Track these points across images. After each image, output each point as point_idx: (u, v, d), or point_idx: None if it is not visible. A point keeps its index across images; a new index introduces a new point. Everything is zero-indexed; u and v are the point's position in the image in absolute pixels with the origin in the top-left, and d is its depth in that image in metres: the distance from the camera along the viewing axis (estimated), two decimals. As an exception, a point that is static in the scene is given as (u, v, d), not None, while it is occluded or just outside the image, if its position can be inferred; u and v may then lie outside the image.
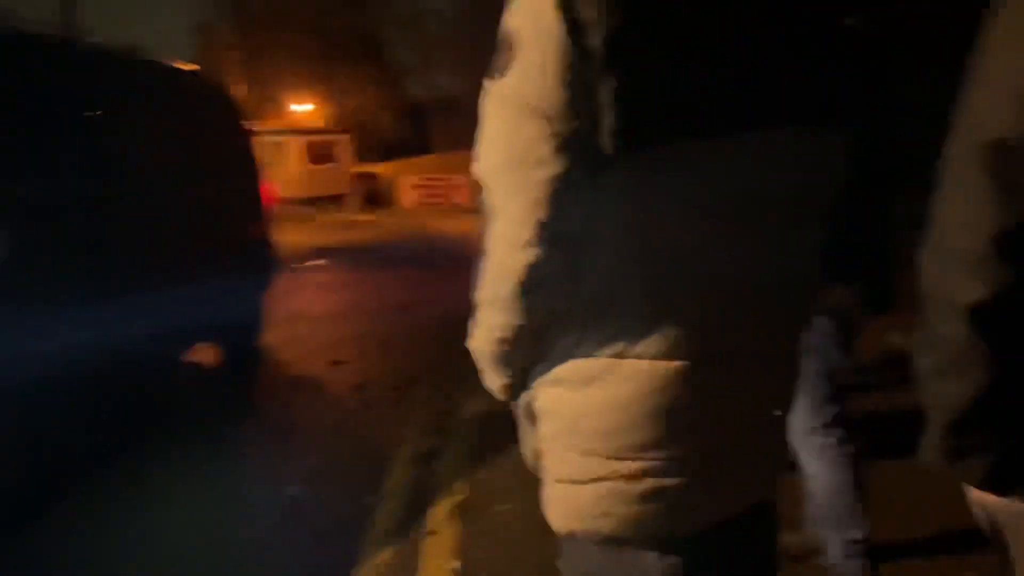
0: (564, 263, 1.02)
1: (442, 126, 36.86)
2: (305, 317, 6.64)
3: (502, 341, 1.13)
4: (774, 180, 1.04)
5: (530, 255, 1.00)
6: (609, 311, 1.04)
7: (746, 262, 1.05)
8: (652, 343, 1.03)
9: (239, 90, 26.58)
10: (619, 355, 1.04)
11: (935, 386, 0.90)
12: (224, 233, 5.17)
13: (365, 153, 37.01)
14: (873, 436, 2.55)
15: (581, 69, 0.91)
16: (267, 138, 23.87)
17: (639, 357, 1.03)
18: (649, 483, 1.09)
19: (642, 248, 1.01)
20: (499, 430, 3.90)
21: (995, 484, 0.89)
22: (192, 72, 5.37)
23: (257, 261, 5.66)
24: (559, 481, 1.17)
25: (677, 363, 1.03)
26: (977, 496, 1.03)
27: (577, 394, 1.10)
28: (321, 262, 10.17)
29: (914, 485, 3.00)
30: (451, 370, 4.94)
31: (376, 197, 20.27)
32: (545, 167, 0.96)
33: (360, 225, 16.05)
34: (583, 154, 0.95)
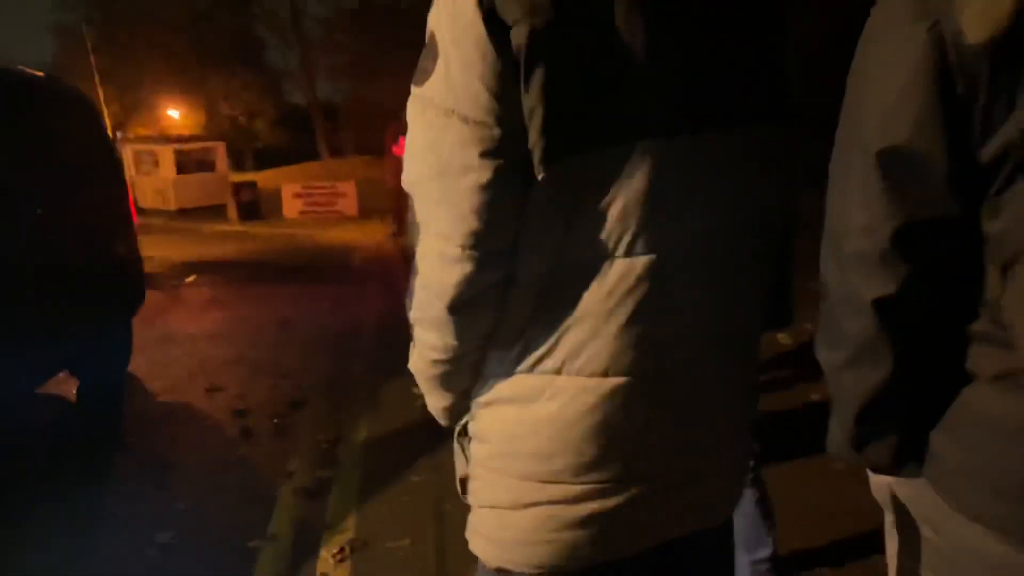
0: (496, 278, 0.96)
1: (324, 133, 36.10)
2: (178, 339, 6.20)
3: (439, 362, 1.07)
4: (717, 185, 0.98)
5: (460, 271, 0.94)
6: (547, 325, 0.98)
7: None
8: (592, 358, 0.97)
9: (105, 95, 25.02)
10: (557, 371, 0.99)
11: (843, 378, 0.92)
12: (85, 251, 4.73)
13: (243, 161, 35.74)
14: (768, 439, 2.56)
15: (504, 70, 0.86)
16: (137, 146, 22.57)
17: (579, 373, 0.98)
18: (588, 507, 1.03)
19: (578, 260, 0.95)
20: (390, 456, 3.74)
21: (896, 466, 0.93)
22: (42, 77, 4.89)
23: (123, 280, 5.22)
24: (491, 507, 1.11)
25: (618, 379, 0.98)
26: (880, 481, 1.04)
27: (515, 413, 1.04)
28: (195, 278, 9.60)
29: (812, 486, 3.08)
30: (338, 393, 4.72)
31: (256, 207, 19.43)
32: (471, 174, 0.90)
33: (239, 237, 15.33)
34: (511, 161, 0.90)
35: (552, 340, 0.99)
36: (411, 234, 1.02)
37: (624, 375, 0.98)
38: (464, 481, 1.19)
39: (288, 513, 3.23)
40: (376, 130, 24.65)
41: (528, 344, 1.00)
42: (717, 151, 0.96)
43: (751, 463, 2.16)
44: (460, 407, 1.17)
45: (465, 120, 0.88)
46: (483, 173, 0.89)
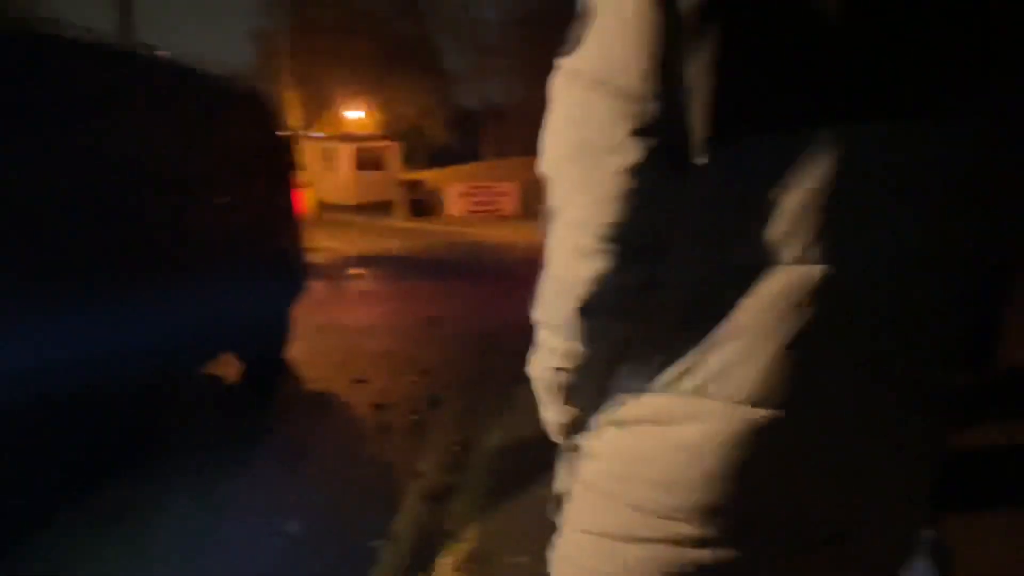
0: (637, 279, 0.83)
1: (491, 134, 36.92)
2: (334, 329, 6.44)
3: (563, 370, 0.95)
4: (923, 189, 0.77)
5: (595, 266, 0.82)
6: (693, 339, 0.83)
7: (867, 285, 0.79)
8: (742, 382, 0.81)
9: (294, 96, 26.90)
10: (699, 392, 0.84)
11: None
12: (254, 241, 5.00)
13: (414, 160, 37.28)
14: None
15: (668, 36, 0.74)
16: (318, 144, 24.11)
17: (725, 398, 0.83)
18: (703, 555, 0.88)
19: (738, 265, 0.80)
20: (521, 467, 3.63)
21: None
22: (226, 78, 5.22)
23: (286, 271, 5.48)
24: (592, 534, 0.97)
25: (770, 411, 0.81)
26: None
27: (642, 434, 0.90)
28: (359, 271, 10.01)
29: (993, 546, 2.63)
30: (476, 395, 4.67)
31: (423, 205, 20.17)
32: (618, 155, 0.78)
33: (404, 233, 15.94)
34: (665, 143, 0.76)
35: (697, 356, 0.84)
36: (543, 225, 0.90)
37: (777, 407, 0.82)
38: (560, 498, 1.08)
39: (412, 515, 3.19)
40: (539, 131, 24.86)
41: (669, 358, 0.86)
42: (926, 145, 0.76)
43: (922, 531, 1.83)
44: (578, 424, 1.04)
45: (617, 93, 0.76)
46: (632, 154, 0.77)
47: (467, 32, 36.91)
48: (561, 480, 1.08)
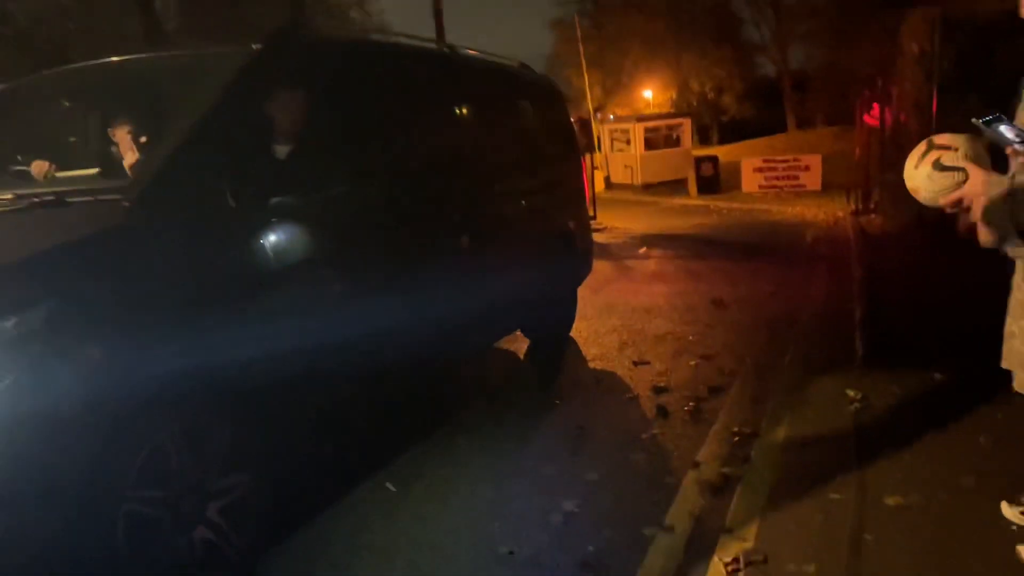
0: None
1: (792, 104, 34.58)
2: (618, 310, 6.46)
3: None
4: None
5: None
6: None
7: None
8: None
9: (590, 80, 27.51)
10: None
11: None
12: (544, 223, 5.18)
13: (709, 136, 36.20)
14: None
15: None
16: (612, 126, 24.41)
17: None
18: None
19: None
20: (808, 466, 3.33)
21: None
22: (517, 66, 5.44)
23: (574, 252, 5.61)
24: None
25: None
26: None
27: None
28: (645, 251, 9.97)
29: None
30: (762, 384, 4.39)
31: (715, 181, 19.51)
32: None
33: (694, 211, 15.57)
34: None
35: None
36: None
37: None
38: None
39: (688, 505, 3.08)
40: (847, 100, 22.69)
41: None
42: None
43: None
44: None
45: None
46: None
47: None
48: None
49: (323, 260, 3.25)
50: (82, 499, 2.27)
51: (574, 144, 5.87)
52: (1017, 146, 2.00)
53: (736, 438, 3.66)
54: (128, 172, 3.36)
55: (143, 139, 3.49)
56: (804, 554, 2.62)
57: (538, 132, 5.26)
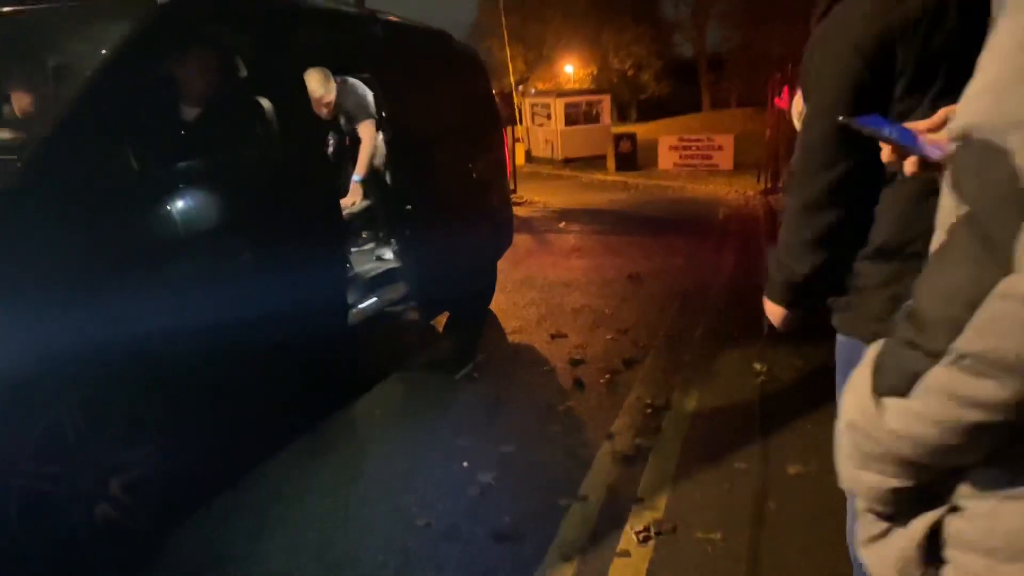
0: None
1: (708, 85, 35.32)
2: (536, 283, 6.50)
3: (981, 428, 0.68)
4: None
5: None
6: None
7: None
8: None
9: (512, 53, 27.32)
10: None
11: None
12: (469, 194, 5.13)
13: (627, 113, 36.65)
14: None
15: None
16: (533, 99, 24.37)
17: None
18: None
19: None
20: (716, 437, 3.45)
21: None
22: (441, 33, 5.34)
23: (496, 225, 5.59)
24: None
25: None
26: None
27: None
28: (564, 225, 10.05)
29: None
30: (674, 356, 4.51)
31: (632, 158, 19.78)
32: None
33: (613, 186, 15.76)
34: None
35: None
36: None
37: None
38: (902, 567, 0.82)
39: (602, 476, 3.15)
40: (760, 82, 23.33)
41: None
42: None
43: None
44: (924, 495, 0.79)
45: None
46: None
47: (687, -23, 35.41)
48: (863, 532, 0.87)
49: (231, 228, 3.14)
50: (-32, 475, 2.15)
51: (496, 116, 5.82)
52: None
53: (649, 410, 3.76)
54: (23, 130, 3.14)
55: (38, 94, 3.26)
56: (711, 522, 2.73)
57: (461, 102, 5.19)
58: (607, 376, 4.23)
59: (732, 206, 11.77)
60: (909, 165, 0.98)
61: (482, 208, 5.32)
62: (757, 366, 4.15)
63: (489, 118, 5.62)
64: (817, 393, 3.73)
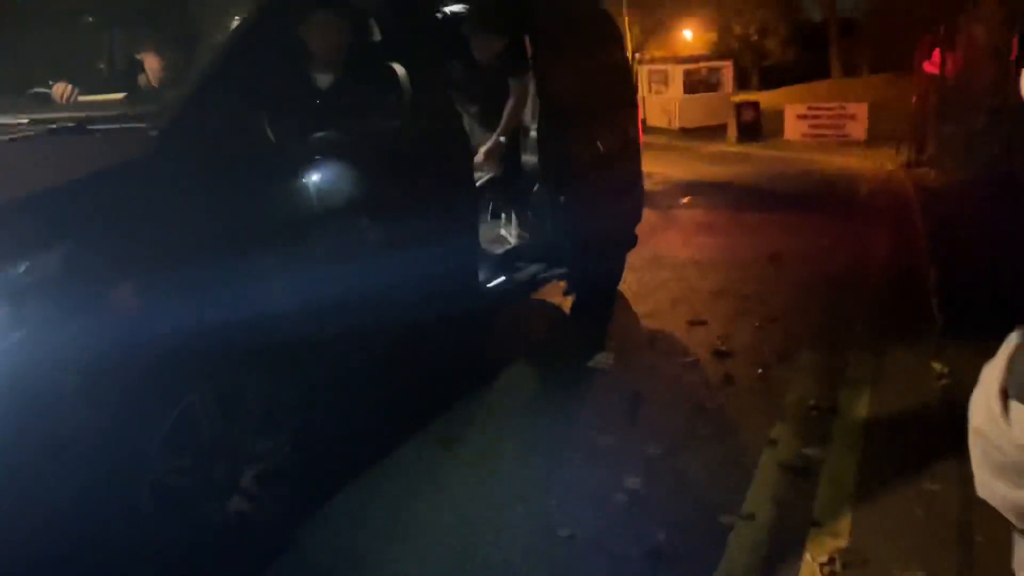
0: None
1: (838, 50, 33.23)
2: (666, 263, 6.10)
3: None
4: None
5: None
6: None
7: None
8: None
9: (629, 19, 26.54)
10: None
11: None
12: (610, 166, 4.79)
13: (749, 81, 35.03)
14: None
15: None
16: (650, 67, 23.57)
17: None
18: None
19: None
20: (898, 450, 3.01)
21: None
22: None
23: (626, 198, 5.24)
24: None
25: None
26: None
27: None
28: (689, 199, 9.52)
29: None
30: (835, 351, 4.05)
31: (756, 128, 18.77)
32: None
33: (735, 158, 14.97)
34: None
35: None
36: None
37: None
38: None
39: (768, 491, 2.78)
40: (898, 46, 21.65)
41: None
42: None
43: None
44: None
45: None
46: None
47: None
48: None
49: (368, 204, 2.93)
50: (101, 467, 2.02)
51: (632, 86, 5.43)
52: None
53: (814, 413, 3.35)
54: (157, 98, 3.03)
55: (174, 62, 3.14)
56: (907, 556, 2.33)
57: (605, 70, 4.86)
58: (760, 371, 3.83)
59: (873, 181, 10.88)
60: None
61: (620, 180, 4.98)
62: (937, 366, 3.63)
63: (627, 88, 5.26)
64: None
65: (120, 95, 2.87)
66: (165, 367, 2.14)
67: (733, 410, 3.46)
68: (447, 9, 4.34)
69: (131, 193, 2.17)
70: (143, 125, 2.33)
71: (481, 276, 3.87)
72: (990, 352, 3.08)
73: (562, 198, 4.07)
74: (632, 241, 5.25)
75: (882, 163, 13.01)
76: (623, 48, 5.38)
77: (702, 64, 23.37)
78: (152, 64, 3.16)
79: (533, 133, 4.27)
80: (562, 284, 4.52)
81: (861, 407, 3.37)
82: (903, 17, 24.07)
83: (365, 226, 2.97)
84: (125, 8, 3.56)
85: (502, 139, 4.17)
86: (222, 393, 2.36)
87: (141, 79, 3.25)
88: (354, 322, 2.80)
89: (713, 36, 33.89)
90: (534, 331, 4.69)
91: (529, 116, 4.34)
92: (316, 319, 2.61)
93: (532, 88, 4.19)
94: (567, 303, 5.05)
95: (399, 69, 3.06)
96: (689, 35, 33.57)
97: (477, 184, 4.16)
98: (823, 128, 17.78)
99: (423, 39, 3.45)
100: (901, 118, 14.39)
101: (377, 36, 3.51)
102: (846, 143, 16.59)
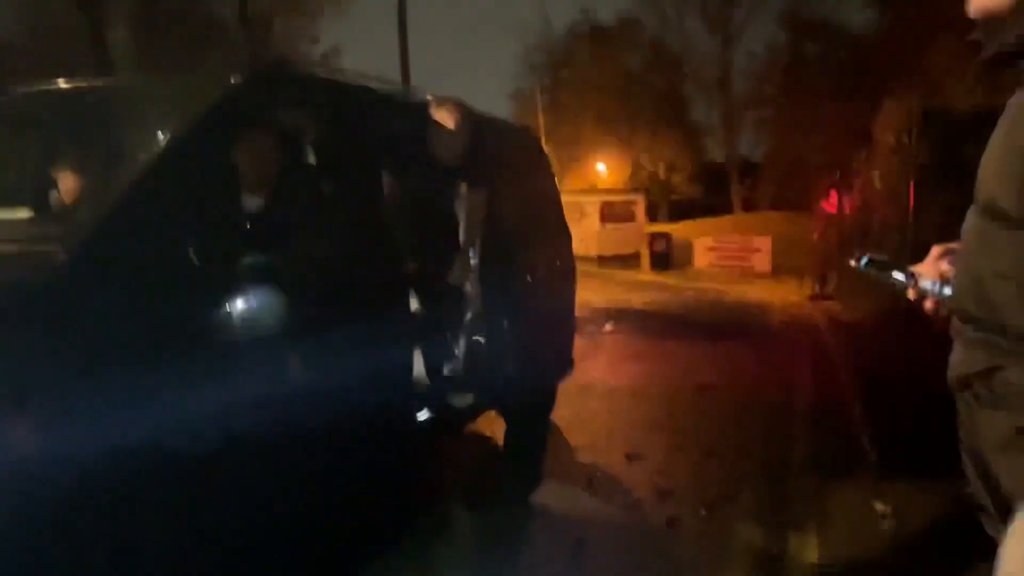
0: None
1: (739, 188, 35.52)
2: (597, 391, 5.99)
3: None
4: None
5: None
6: None
7: None
8: None
9: (548, 152, 27.73)
10: None
11: None
12: (542, 293, 4.71)
13: (658, 214, 36.82)
14: None
15: None
16: (568, 198, 24.48)
17: None
18: None
19: None
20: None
21: None
22: (524, 129, 5.10)
23: (563, 322, 5.16)
24: None
25: None
26: None
27: None
28: (612, 326, 9.59)
29: None
30: (776, 490, 3.94)
31: (667, 258, 19.52)
32: None
33: (650, 286, 15.38)
34: None
35: None
36: None
37: None
38: None
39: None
40: (794, 186, 23.30)
41: None
42: None
43: None
44: None
45: None
46: None
47: (717, 85, 36.20)
48: None
49: (293, 332, 2.71)
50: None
51: (563, 218, 5.44)
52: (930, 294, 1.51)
53: (764, 562, 3.18)
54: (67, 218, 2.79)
55: (88, 178, 2.93)
56: None
57: (538, 202, 4.88)
58: (703, 512, 3.66)
59: (783, 312, 11.28)
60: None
61: (556, 307, 4.92)
62: (879, 506, 3.56)
63: (561, 217, 5.28)
64: (963, 542, 3.14)
65: (27, 213, 2.63)
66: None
67: (682, 556, 3.26)
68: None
69: (33, 320, 1.91)
70: (51, 248, 2.09)
71: (412, 408, 3.64)
72: (928, 489, 3.01)
73: (504, 323, 3.94)
74: (567, 367, 5.14)
75: (788, 295, 13.59)
76: (554, 180, 5.44)
77: (617, 197, 24.44)
78: (66, 181, 2.94)
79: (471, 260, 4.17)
80: (494, 414, 4.33)
81: (810, 553, 3.23)
82: (799, 161, 26.07)
83: (288, 356, 2.74)
84: (43, 121, 3.35)
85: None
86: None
87: (52, 195, 3.02)
88: (270, 464, 2.52)
89: (625, 171, 35.74)
90: (466, 467, 4.43)
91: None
92: (230, 462, 2.33)
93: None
94: (499, 434, 4.82)
95: (333, 193, 2.94)
96: (604, 169, 35.29)
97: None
98: (731, 260, 18.64)
99: (362, 161, 3.36)
100: (802, 253, 15.19)
101: (312, 159, 3.40)
102: (751, 275, 17.36)
